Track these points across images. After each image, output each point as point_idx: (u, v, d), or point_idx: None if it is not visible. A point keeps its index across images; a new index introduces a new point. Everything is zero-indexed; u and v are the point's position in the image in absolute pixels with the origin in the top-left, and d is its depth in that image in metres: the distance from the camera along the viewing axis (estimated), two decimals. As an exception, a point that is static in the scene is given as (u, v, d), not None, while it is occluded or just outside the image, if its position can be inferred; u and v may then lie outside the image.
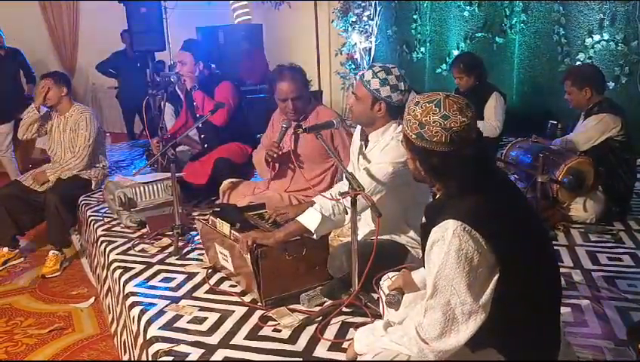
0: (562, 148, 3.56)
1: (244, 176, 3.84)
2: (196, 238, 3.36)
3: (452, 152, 1.56)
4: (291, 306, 2.47)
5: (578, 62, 5.30)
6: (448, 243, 1.49)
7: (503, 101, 4.62)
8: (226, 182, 3.65)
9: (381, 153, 2.46)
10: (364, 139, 2.59)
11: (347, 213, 2.38)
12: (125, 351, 2.77)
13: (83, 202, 4.28)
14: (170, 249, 3.29)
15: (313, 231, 2.36)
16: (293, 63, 3.32)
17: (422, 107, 1.58)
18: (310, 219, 2.36)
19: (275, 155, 3.25)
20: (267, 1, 8.40)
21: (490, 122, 4.49)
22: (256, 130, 4.43)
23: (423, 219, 1.73)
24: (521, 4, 5.79)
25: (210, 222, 2.85)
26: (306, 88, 3.26)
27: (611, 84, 4.94)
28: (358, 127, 2.66)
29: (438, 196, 1.73)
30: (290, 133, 3.24)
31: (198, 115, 4.08)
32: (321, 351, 2.15)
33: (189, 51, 4.10)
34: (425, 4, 6.96)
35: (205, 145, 4.33)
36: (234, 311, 2.48)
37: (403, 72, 2.49)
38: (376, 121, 2.50)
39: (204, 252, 3.08)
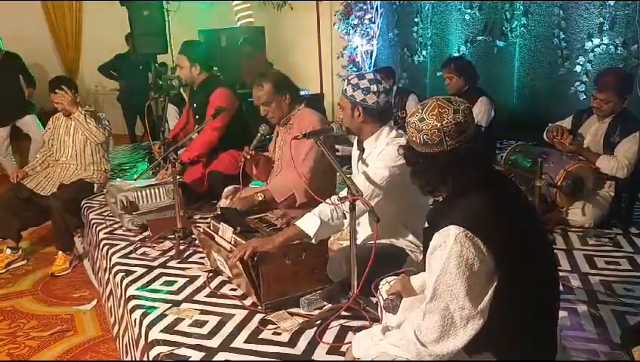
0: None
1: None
2: (197, 242, 3.38)
3: (426, 155, 1.62)
4: (291, 310, 2.49)
5: (578, 66, 5.32)
6: (449, 249, 1.52)
7: (491, 106, 4.59)
8: (229, 188, 3.66)
9: (377, 158, 2.50)
10: (361, 148, 2.63)
11: (346, 218, 2.40)
12: (127, 354, 2.79)
13: (85, 205, 4.31)
14: (172, 252, 3.31)
15: (312, 236, 2.38)
16: (273, 69, 3.38)
17: (415, 108, 1.66)
18: (309, 224, 2.38)
19: (243, 160, 3.26)
20: (269, 0, 8.40)
21: None
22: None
23: (426, 224, 1.75)
24: (521, 7, 5.81)
25: (212, 227, 2.88)
26: (276, 94, 3.27)
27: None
28: (355, 139, 2.71)
29: (441, 200, 1.75)
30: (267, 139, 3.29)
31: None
32: (320, 354, 2.17)
33: (184, 54, 4.12)
34: (426, 8, 6.98)
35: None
36: (234, 315, 2.50)
37: (377, 77, 2.52)
38: (363, 127, 2.56)
39: (204, 255, 3.10)
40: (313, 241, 2.40)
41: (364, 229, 2.66)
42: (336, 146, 5.10)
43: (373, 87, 2.48)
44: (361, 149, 2.64)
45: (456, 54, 6.50)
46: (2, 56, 5.88)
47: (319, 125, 3.14)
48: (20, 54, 6.17)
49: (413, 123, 1.63)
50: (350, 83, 2.51)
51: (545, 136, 3.80)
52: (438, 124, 1.58)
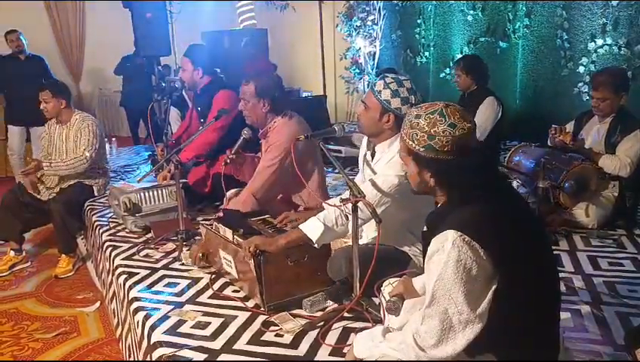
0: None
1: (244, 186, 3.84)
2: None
3: (461, 160, 1.59)
4: (293, 311, 2.50)
5: (581, 67, 5.31)
6: (447, 253, 1.51)
7: (498, 107, 4.57)
8: (232, 191, 3.66)
9: (387, 165, 2.43)
10: (371, 150, 2.58)
11: (348, 219, 2.39)
12: (130, 355, 2.80)
13: (88, 207, 4.32)
14: (175, 254, 3.31)
15: (314, 241, 2.37)
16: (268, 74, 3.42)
17: (426, 119, 1.60)
18: (312, 229, 2.37)
19: (224, 164, 3.26)
20: (271, 1, 8.41)
21: (479, 126, 4.46)
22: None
23: (424, 227, 1.75)
24: (524, 8, 5.80)
25: (214, 228, 2.88)
26: (256, 96, 3.24)
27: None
28: (365, 137, 2.66)
29: (440, 204, 1.74)
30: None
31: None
32: (322, 355, 2.17)
33: (188, 57, 4.13)
34: (429, 9, 6.98)
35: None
36: (237, 316, 2.50)
37: (413, 86, 2.46)
38: (383, 132, 2.47)
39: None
40: (316, 246, 2.40)
41: (368, 231, 2.65)
42: (339, 148, 5.11)
43: (412, 98, 2.39)
44: (371, 150, 2.59)
45: (459, 55, 6.50)
46: (26, 57, 5.91)
47: (292, 136, 3.02)
48: (43, 57, 6.17)
49: (445, 131, 1.58)
50: (389, 87, 2.39)
51: (549, 143, 3.80)
52: (470, 125, 1.59)
